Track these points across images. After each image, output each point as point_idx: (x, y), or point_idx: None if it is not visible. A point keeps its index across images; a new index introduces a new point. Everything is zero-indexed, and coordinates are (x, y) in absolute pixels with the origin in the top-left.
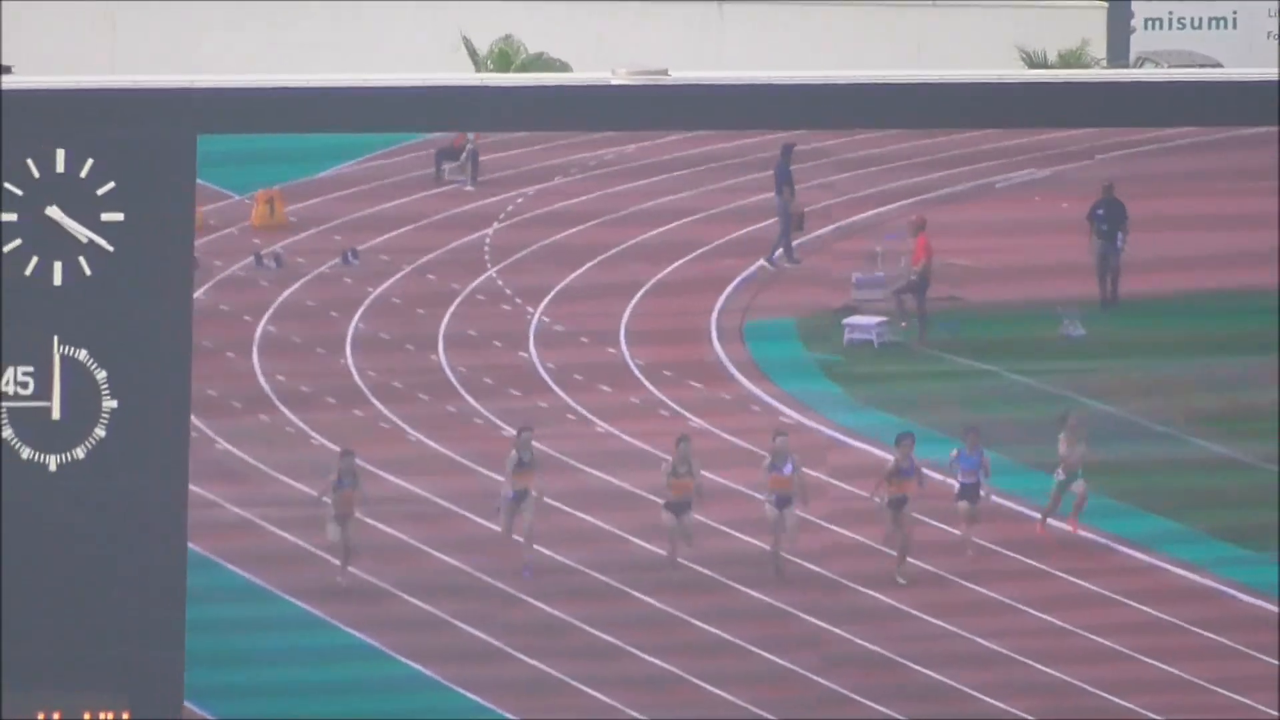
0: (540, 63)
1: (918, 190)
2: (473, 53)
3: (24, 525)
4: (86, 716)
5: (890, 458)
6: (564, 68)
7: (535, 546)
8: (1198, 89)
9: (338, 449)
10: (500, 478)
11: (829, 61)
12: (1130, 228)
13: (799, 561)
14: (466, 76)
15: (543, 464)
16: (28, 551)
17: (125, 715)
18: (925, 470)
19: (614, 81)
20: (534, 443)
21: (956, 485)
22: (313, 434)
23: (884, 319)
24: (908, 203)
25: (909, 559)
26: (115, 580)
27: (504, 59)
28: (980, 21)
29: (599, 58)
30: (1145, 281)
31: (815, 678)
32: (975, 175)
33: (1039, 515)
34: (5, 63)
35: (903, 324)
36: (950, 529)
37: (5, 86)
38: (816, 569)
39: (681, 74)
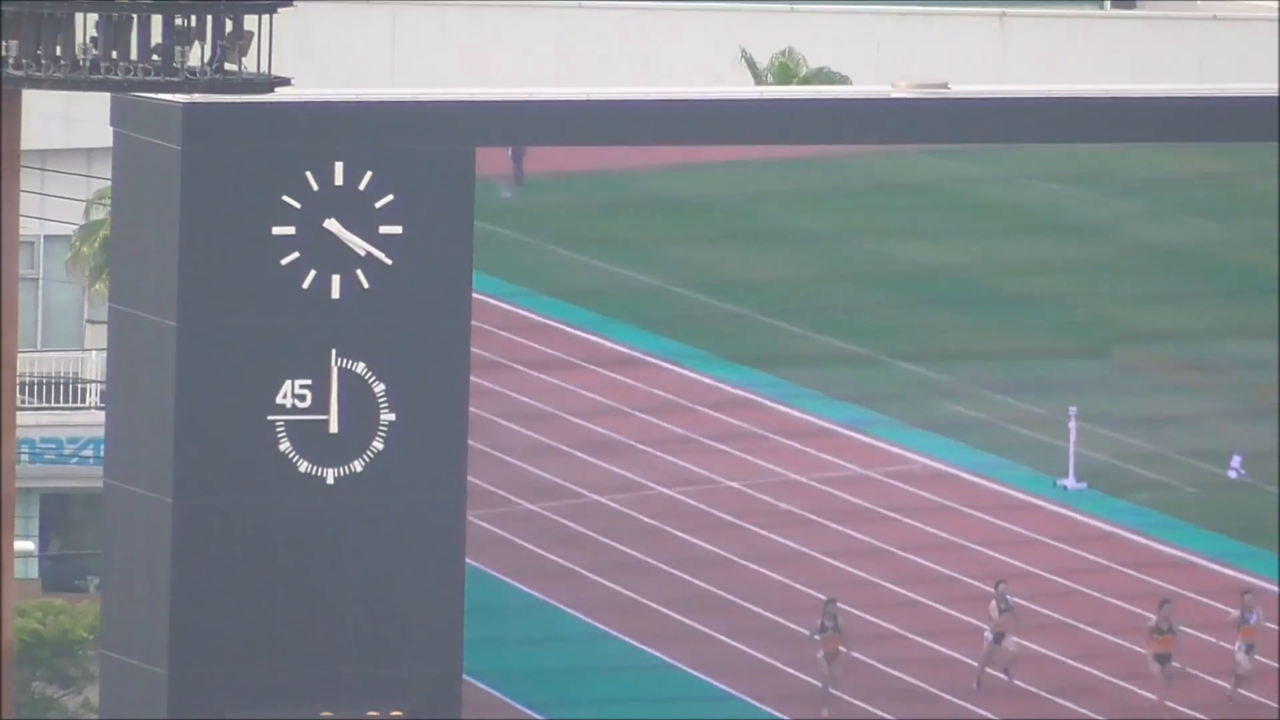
0: (821, 75)
1: None
2: (752, 65)
3: (303, 539)
4: None
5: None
6: (844, 80)
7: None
8: None
9: (823, 598)
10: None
11: (1111, 74)
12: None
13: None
14: (743, 90)
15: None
16: (306, 565)
17: None
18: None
19: (894, 94)
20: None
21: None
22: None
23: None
24: None
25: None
26: (393, 594)
27: (784, 72)
28: (1262, 36)
29: (881, 70)
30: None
31: None
32: None
33: None
34: (284, 75)
35: None
36: None
37: (284, 99)
38: None
39: (962, 87)
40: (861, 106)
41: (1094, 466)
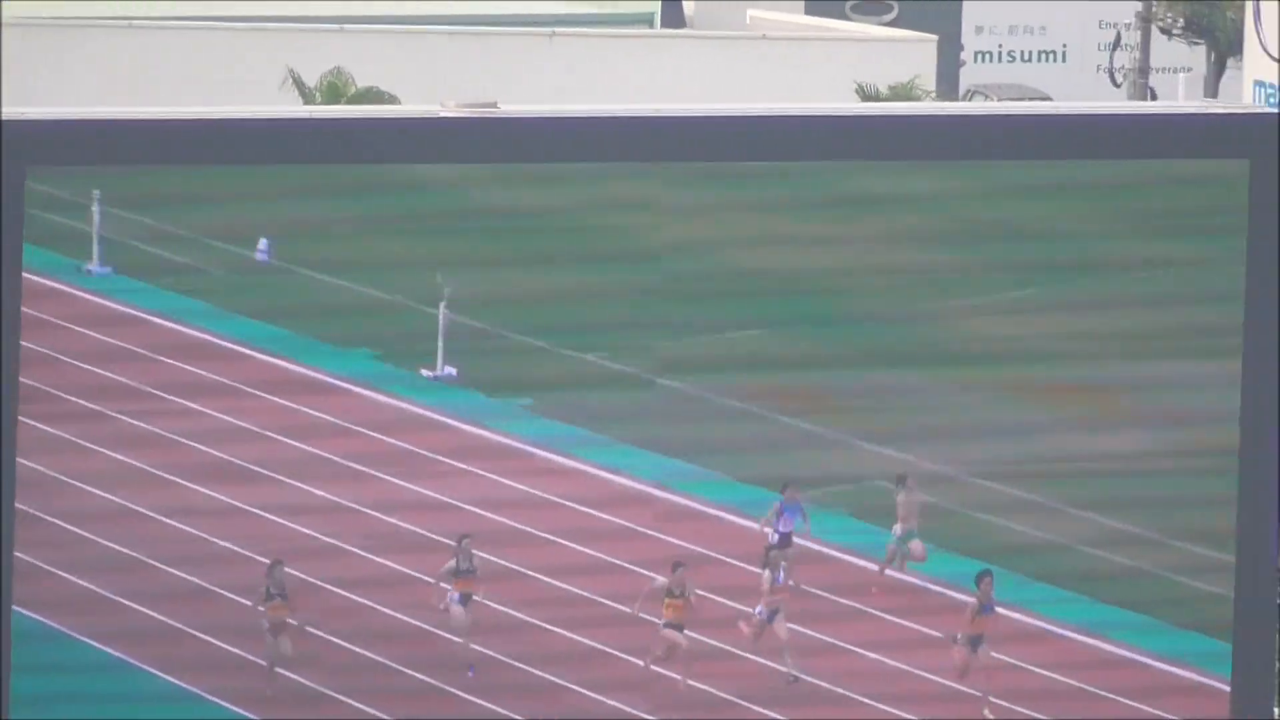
0: (369, 94)
1: None
2: (300, 85)
3: None
4: None
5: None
6: (393, 100)
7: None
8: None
9: (267, 561)
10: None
11: (660, 94)
12: None
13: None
14: (297, 109)
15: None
16: None
17: None
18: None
19: (443, 114)
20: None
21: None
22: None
23: None
24: None
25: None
26: None
27: (333, 91)
28: (816, 55)
29: (436, 89)
30: None
31: None
32: None
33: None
34: None
35: None
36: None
37: None
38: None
39: (511, 107)
40: (410, 126)
41: None
